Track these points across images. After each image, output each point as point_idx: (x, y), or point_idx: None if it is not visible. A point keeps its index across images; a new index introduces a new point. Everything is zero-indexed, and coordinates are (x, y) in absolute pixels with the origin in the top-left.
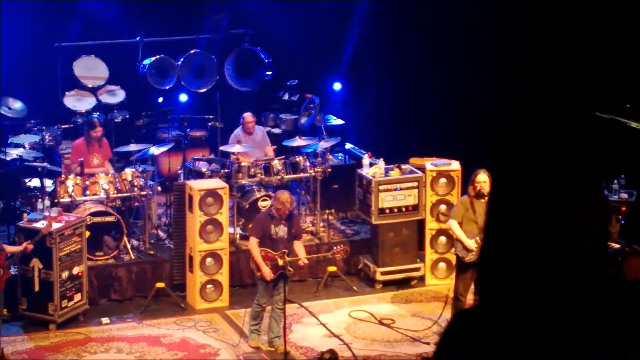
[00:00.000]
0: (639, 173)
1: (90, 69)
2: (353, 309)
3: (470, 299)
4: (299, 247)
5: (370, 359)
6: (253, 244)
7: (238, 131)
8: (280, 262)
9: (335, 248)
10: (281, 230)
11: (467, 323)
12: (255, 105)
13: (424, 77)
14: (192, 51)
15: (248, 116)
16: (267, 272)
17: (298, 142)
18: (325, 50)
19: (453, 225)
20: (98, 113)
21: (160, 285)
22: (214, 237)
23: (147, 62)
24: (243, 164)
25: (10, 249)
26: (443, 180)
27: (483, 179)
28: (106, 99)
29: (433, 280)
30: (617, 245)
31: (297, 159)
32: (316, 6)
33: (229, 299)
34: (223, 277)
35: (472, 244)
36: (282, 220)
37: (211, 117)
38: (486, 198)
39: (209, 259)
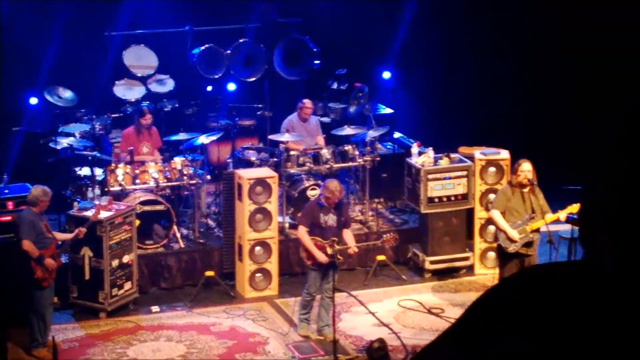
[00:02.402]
0: None
1: (140, 58)
2: (402, 298)
3: None
4: (348, 235)
5: (420, 348)
6: (302, 232)
7: (292, 117)
8: (330, 250)
9: (384, 236)
10: (330, 219)
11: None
12: (303, 94)
13: (474, 65)
14: (241, 40)
15: (308, 102)
16: (321, 256)
17: (347, 131)
18: (375, 39)
19: (495, 215)
20: (147, 102)
21: (209, 273)
22: (263, 226)
23: (196, 51)
24: (292, 152)
25: (61, 236)
26: (492, 169)
27: (527, 168)
28: (155, 88)
29: (482, 270)
30: None
31: (346, 148)
32: None
33: (278, 287)
34: (272, 265)
35: (515, 234)
36: (331, 209)
37: (260, 106)
38: (531, 188)
39: (258, 248)
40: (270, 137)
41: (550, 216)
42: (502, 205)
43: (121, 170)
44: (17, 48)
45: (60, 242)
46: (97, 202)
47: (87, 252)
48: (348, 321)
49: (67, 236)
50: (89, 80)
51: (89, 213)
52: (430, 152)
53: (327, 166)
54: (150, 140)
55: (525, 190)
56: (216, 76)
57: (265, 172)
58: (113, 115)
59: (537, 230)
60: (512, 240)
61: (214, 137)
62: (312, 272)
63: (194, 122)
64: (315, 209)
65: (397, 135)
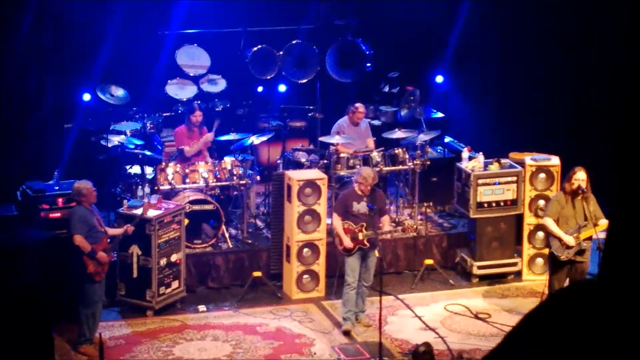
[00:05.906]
0: None
1: (193, 57)
2: (449, 302)
3: None
4: (385, 220)
5: (466, 353)
6: (336, 219)
7: (342, 121)
8: (360, 236)
9: (406, 223)
10: (362, 207)
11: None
12: (355, 97)
13: (526, 71)
14: (294, 41)
15: (361, 106)
16: (346, 239)
17: (398, 134)
18: (429, 43)
19: (549, 223)
20: (199, 101)
21: (257, 274)
22: (311, 228)
23: (249, 52)
24: (342, 155)
25: (112, 231)
26: (542, 175)
27: (582, 177)
28: (207, 87)
29: (530, 276)
30: None
31: (397, 151)
32: None
33: (325, 289)
34: (320, 267)
35: (571, 240)
36: (364, 197)
37: (311, 107)
38: (583, 195)
39: (306, 249)
40: (321, 139)
41: (604, 222)
42: (556, 212)
43: (171, 169)
44: (71, 45)
45: (109, 239)
46: (146, 200)
47: (135, 250)
48: (394, 324)
49: (118, 231)
50: (142, 79)
51: (138, 211)
52: (480, 157)
53: (377, 169)
54: (201, 139)
55: (578, 197)
56: (268, 77)
57: (315, 173)
58: (164, 114)
59: (589, 238)
60: (567, 247)
61: (264, 138)
62: (346, 258)
63: (244, 123)
64: (350, 197)
65: (447, 139)
